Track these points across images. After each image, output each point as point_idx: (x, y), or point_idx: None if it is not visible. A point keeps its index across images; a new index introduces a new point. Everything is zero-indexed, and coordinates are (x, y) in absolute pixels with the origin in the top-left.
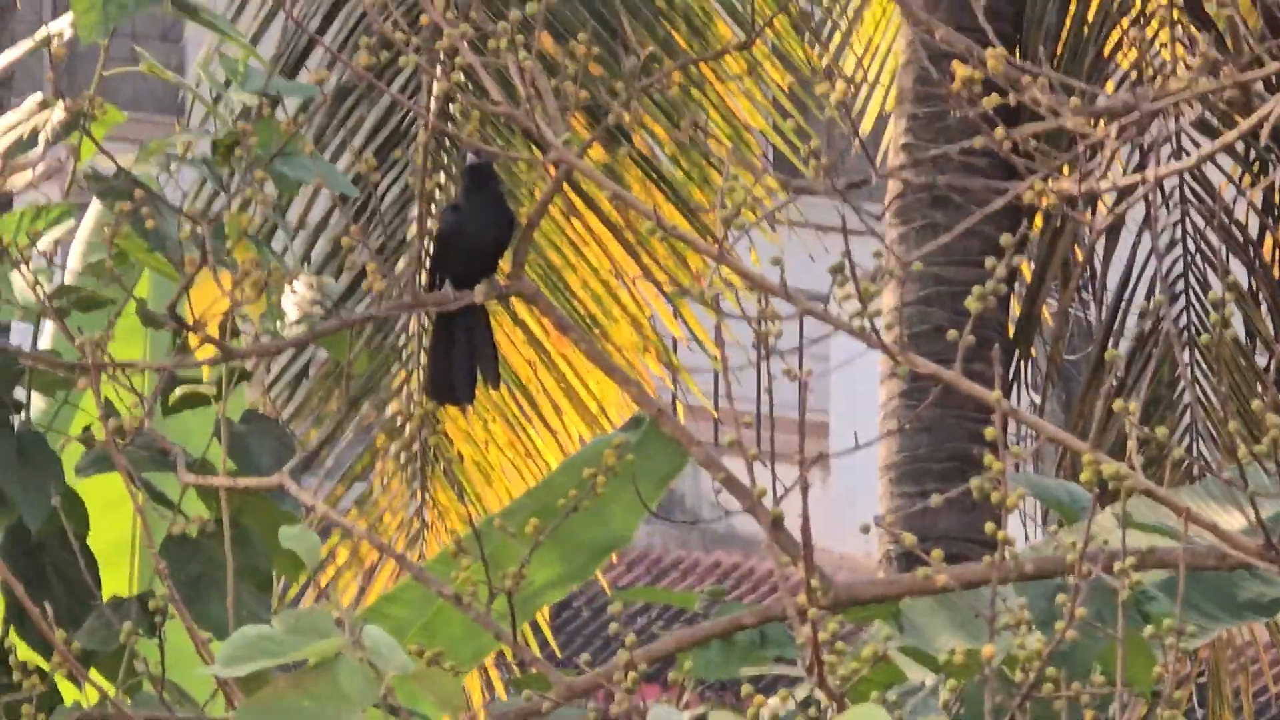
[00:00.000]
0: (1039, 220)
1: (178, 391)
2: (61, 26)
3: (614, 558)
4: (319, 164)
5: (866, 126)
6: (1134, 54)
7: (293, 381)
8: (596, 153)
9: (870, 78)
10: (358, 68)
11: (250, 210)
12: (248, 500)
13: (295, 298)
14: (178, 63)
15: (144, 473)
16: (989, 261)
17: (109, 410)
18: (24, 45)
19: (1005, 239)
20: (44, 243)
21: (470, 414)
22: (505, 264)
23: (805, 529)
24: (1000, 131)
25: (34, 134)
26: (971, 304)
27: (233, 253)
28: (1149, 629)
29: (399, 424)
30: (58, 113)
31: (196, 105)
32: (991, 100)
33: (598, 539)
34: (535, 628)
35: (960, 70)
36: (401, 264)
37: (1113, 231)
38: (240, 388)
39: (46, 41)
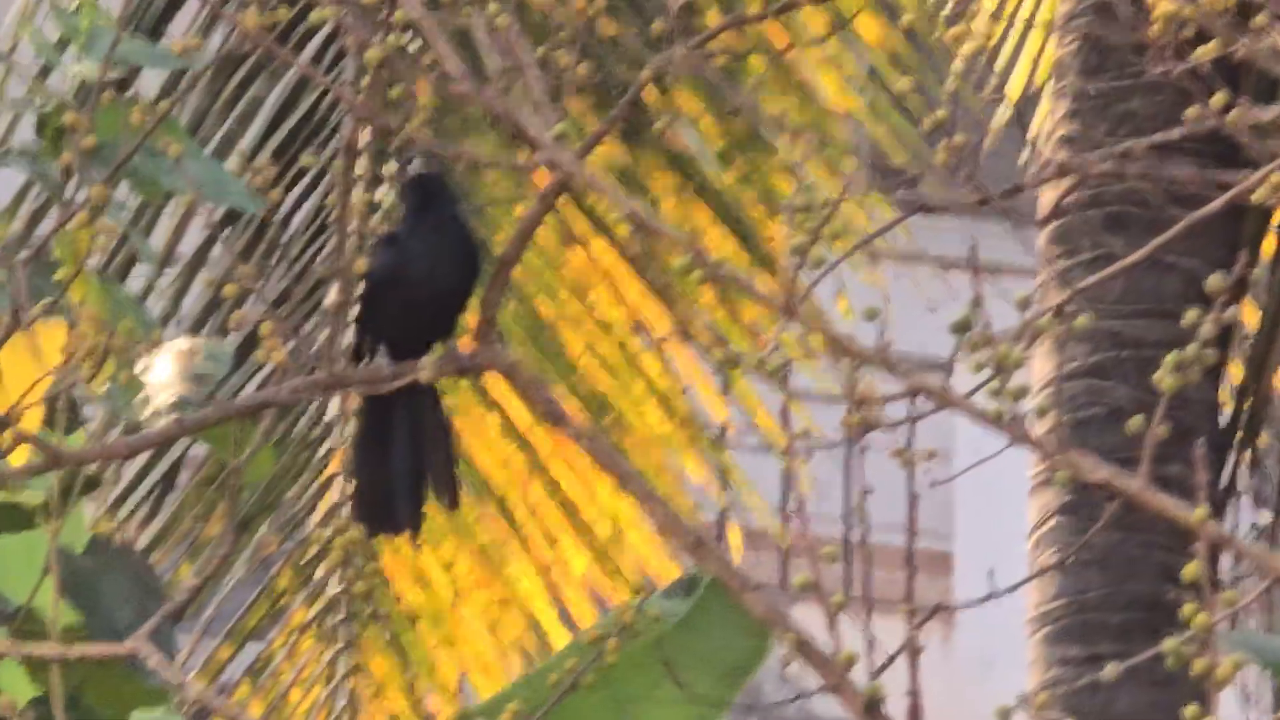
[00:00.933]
0: (1270, 245)
1: None
2: None
3: None
4: (198, 163)
5: (1007, 116)
6: None
7: (155, 492)
8: (609, 152)
9: (1011, 43)
10: (247, 28)
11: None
12: (94, 670)
13: (165, 371)
14: None
15: None
16: (1191, 313)
17: None
18: None
19: (1216, 280)
20: None
21: (420, 540)
22: (470, 321)
23: (915, 713)
24: (1220, 98)
25: None
26: (1165, 378)
27: (68, 297)
28: None
29: (313, 556)
30: None
31: (14, 78)
32: (1210, 48)
33: None
34: None
35: (1162, 4)
36: (314, 322)
37: None
38: (81, 503)
39: None
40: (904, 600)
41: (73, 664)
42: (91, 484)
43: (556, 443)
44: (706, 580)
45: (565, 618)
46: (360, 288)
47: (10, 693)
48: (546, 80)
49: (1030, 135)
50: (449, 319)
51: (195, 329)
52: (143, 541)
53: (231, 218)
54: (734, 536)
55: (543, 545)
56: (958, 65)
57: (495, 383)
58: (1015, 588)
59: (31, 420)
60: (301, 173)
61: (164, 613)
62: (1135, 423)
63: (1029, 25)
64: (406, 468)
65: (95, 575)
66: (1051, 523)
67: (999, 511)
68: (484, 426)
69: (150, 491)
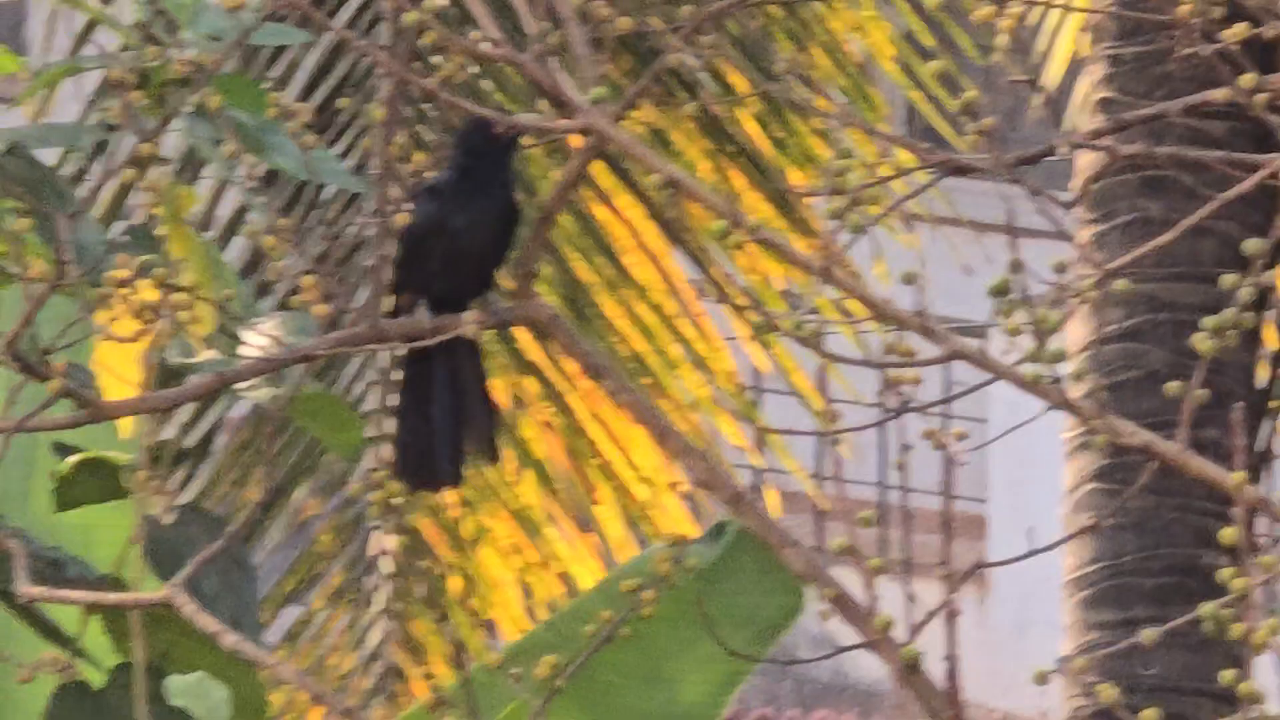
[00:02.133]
0: None
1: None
2: None
3: None
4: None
5: (1051, 77)
6: None
7: (192, 456)
8: (645, 114)
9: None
10: None
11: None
12: (178, 640)
13: (252, 350)
14: None
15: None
16: (1229, 278)
17: None
18: None
19: (1253, 244)
20: None
21: (457, 503)
22: (507, 278)
23: (953, 674)
24: (1249, 78)
25: None
26: (1203, 342)
27: (164, 255)
28: None
29: (352, 519)
30: None
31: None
32: (1239, 30)
33: (662, 713)
34: None
35: None
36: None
37: None
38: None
39: None
40: (941, 561)
41: (156, 633)
42: (181, 454)
43: (594, 402)
44: (735, 527)
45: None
46: (399, 242)
47: (95, 659)
48: (585, 33)
49: (1070, 103)
50: (488, 272)
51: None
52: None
53: (269, 179)
54: (771, 498)
55: (581, 507)
56: (1001, 39)
57: (532, 346)
58: (1052, 547)
59: (115, 383)
60: (339, 134)
61: (200, 560)
62: (1173, 387)
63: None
64: (446, 422)
65: (180, 544)
66: (1086, 487)
67: (1034, 475)
68: (523, 384)
69: (187, 454)
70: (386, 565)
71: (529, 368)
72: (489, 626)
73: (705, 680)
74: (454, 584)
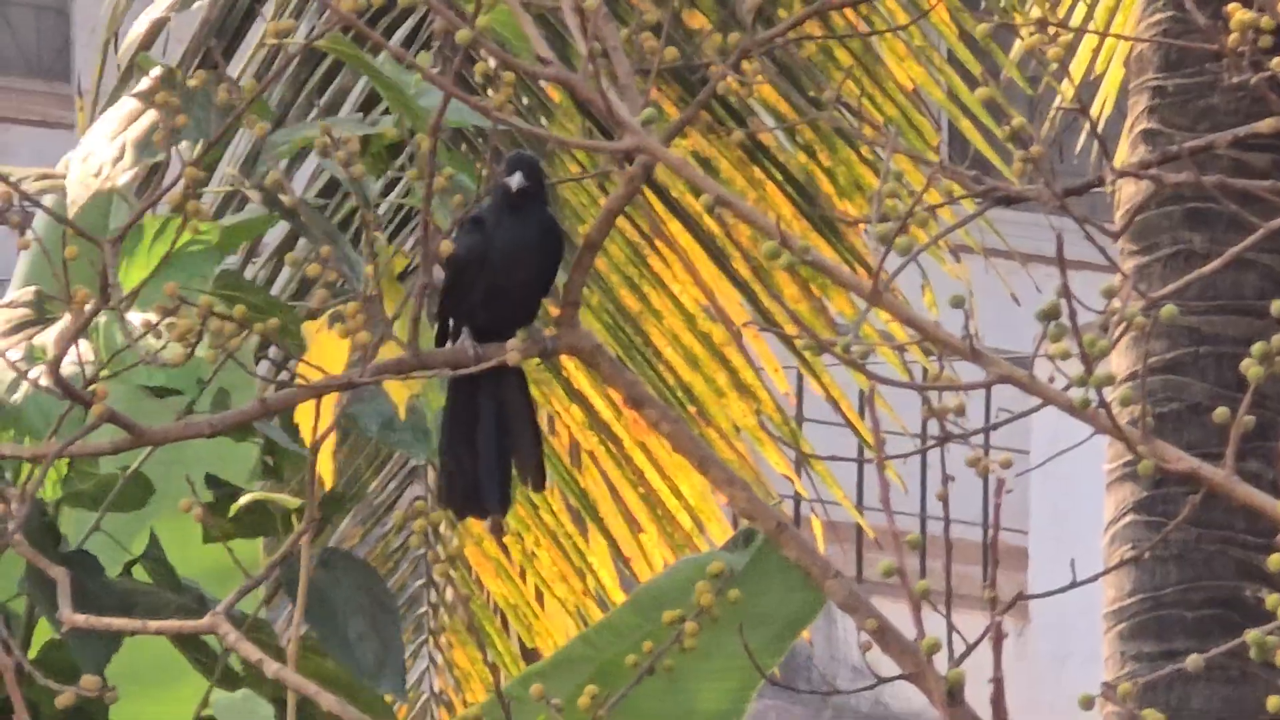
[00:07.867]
0: None
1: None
2: None
3: None
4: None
5: (1095, 110)
6: None
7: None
8: (693, 141)
9: (1096, 45)
10: (340, 11)
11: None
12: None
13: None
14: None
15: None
16: (1276, 305)
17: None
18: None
19: None
20: None
21: (503, 532)
22: (553, 306)
23: (998, 703)
24: None
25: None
26: (1251, 369)
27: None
28: None
29: (397, 549)
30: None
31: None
32: None
33: (682, 716)
34: None
35: (1239, 13)
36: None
37: None
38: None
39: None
40: (988, 587)
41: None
42: (338, 500)
43: (640, 432)
44: (759, 538)
45: None
46: (445, 271)
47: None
48: (632, 63)
49: (1096, 124)
50: (533, 302)
51: None
52: None
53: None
54: (818, 527)
55: (626, 536)
56: (1050, 60)
57: (579, 374)
58: (1095, 578)
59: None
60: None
61: (242, 591)
62: (1221, 413)
63: (1105, 33)
64: (493, 451)
65: (327, 587)
66: (1127, 519)
67: (1075, 507)
68: (569, 414)
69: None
70: (430, 593)
71: (576, 396)
72: (535, 656)
73: (727, 684)
74: (499, 613)
